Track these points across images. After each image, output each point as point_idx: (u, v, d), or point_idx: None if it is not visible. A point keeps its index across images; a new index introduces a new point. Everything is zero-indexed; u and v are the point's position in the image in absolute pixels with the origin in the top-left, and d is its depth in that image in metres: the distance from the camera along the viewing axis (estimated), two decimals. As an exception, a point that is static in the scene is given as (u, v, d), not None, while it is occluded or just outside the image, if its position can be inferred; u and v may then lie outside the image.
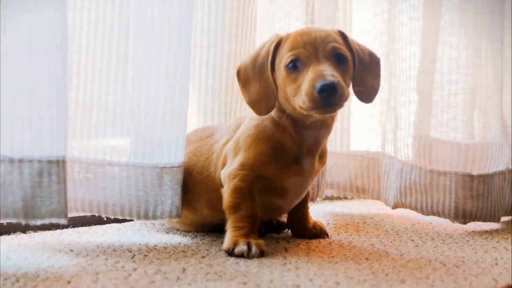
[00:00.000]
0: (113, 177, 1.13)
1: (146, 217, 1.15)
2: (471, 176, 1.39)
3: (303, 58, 1.03)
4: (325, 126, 1.11)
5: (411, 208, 1.45)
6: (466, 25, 1.44)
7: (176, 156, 1.15)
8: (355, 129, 1.67)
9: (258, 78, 1.09)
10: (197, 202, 1.18)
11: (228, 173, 1.11)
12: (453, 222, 1.40)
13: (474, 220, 1.39)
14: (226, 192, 1.10)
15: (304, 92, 1.00)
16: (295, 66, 1.04)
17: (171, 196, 1.14)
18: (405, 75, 1.48)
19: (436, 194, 1.40)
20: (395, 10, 1.49)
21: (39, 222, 0.98)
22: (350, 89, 1.09)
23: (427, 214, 1.42)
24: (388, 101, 1.54)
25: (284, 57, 1.05)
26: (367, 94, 1.12)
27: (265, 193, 1.12)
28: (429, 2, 1.47)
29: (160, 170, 1.14)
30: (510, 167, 1.47)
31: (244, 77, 1.11)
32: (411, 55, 1.48)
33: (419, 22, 1.47)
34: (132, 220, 1.30)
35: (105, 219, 1.22)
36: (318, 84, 0.98)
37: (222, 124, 1.29)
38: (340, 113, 1.61)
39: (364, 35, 1.62)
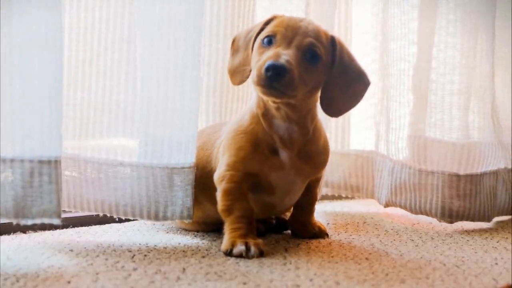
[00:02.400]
0: (125, 178, 1.14)
1: (156, 218, 1.15)
2: (458, 176, 1.39)
3: (278, 37, 1.04)
4: (293, 121, 1.09)
5: (401, 207, 1.45)
6: (461, 24, 1.44)
7: (187, 156, 1.15)
8: (351, 128, 1.66)
9: (244, 49, 1.11)
10: (202, 196, 1.18)
11: (217, 176, 1.11)
12: (440, 222, 1.41)
13: (461, 219, 1.39)
14: (218, 196, 1.10)
15: (257, 67, 1.01)
16: (269, 42, 1.05)
17: (181, 197, 1.14)
18: (401, 75, 1.47)
19: (424, 193, 1.41)
20: (392, 11, 1.48)
21: (30, 222, 0.98)
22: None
23: (416, 213, 1.43)
24: (381, 100, 1.54)
25: (264, 31, 1.07)
26: (335, 107, 1.11)
27: (255, 191, 1.12)
28: (425, 2, 1.46)
29: (170, 171, 1.14)
30: (509, 167, 1.47)
31: (236, 46, 1.14)
32: (406, 55, 1.47)
33: (414, 22, 1.46)
34: (134, 220, 1.30)
35: (116, 219, 1.22)
36: (267, 62, 0.99)
37: (229, 121, 1.29)
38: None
39: (363, 35, 1.62)
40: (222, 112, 1.39)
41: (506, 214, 1.51)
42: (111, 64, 1.16)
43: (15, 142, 0.97)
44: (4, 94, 0.96)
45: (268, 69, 0.98)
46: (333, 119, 1.59)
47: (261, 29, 1.09)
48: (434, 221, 1.46)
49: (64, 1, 1.03)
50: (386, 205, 1.48)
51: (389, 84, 1.49)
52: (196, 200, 1.18)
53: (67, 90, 1.14)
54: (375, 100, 1.57)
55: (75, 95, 1.15)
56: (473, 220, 1.40)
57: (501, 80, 1.58)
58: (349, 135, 1.64)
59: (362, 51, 1.61)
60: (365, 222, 1.42)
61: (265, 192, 1.13)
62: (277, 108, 1.08)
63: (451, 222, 1.40)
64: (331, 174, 1.61)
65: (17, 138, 0.97)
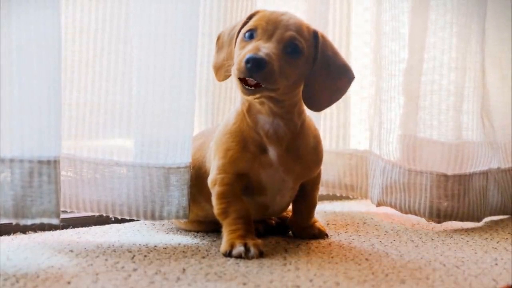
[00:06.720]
0: (121, 177, 1.14)
1: (153, 217, 1.15)
2: (445, 176, 1.39)
3: (259, 31, 1.04)
4: (278, 116, 1.09)
5: (391, 206, 1.45)
6: (454, 25, 1.43)
7: (183, 156, 1.15)
8: (349, 128, 1.66)
9: (228, 45, 1.12)
10: (199, 195, 1.18)
11: (210, 180, 1.11)
12: (428, 221, 1.41)
13: (450, 219, 1.39)
14: (213, 200, 1.11)
15: (237, 60, 1.01)
16: (250, 36, 1.05)
17: (177, 197, 1.15)
18: (392, 76, 1.47)
19: (413, 193, 1.41)
20: (390, 12, 1.48)
21: (29, 222, 0.98)
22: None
23: (406, 212, 1.43)
24: (375, 101, 1.53)
25: (246, 26, 1.07)
26: (317, 101, 1.10)
27: (247, 192, 1.12)
28: (416, 3, 1.46)
29: (166, 171, 1.14)
30: (502, 167, 1.48)
31: (221, 43, 1.15)
32: (399, 56, 1.47)
33: (407, 23, 1.46)
34: (133, 220, 1.30)
35: (112, 218, 1.22)
36: (247, 55, 0.99)
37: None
38: (329, 111, 1.60)
39: (364, 35, 1.62)
40: (214, 112, 1.40)
41: (498, 214, 1.51)
42: (107, 65, 1.16)
43: (14, 142, 0.97)
44: (4, 94, 0.96)
45: (248, 61, 0.98)
46: (330, 119, 1.59)
47: (244, 24, 1.09)
48: (434, 221, 1.46)
49: (60, 1, 1.03)
50: (378, 205, 1.48)
51: (384, 85, 1.49)
52: (195, 200, 1.18)
53: (63, 90, 1.13)
54: (371, 100, 1.57)
55: (71, 95, 1.15)
56: (462, 220, 1.40)
57: (494, 80, 1.57)
58: (344, 134, 1.63)
59: (362, 52, 1.61)
60: (365, 223, 1.42)
61: (257, 193, 1.13)
62: (261, 103, 1.08)
63: (439, 222, 1.40)
64: (326, 173, 1.61)
65: (16, 138, 0.97)
